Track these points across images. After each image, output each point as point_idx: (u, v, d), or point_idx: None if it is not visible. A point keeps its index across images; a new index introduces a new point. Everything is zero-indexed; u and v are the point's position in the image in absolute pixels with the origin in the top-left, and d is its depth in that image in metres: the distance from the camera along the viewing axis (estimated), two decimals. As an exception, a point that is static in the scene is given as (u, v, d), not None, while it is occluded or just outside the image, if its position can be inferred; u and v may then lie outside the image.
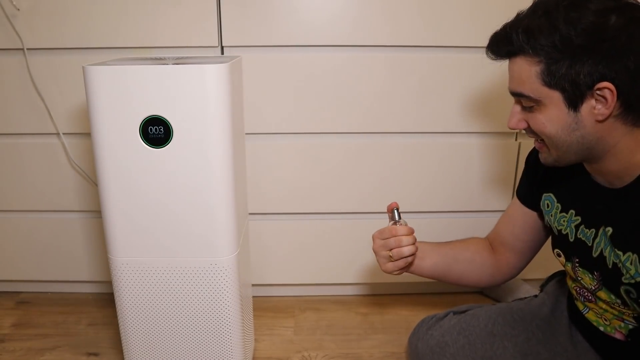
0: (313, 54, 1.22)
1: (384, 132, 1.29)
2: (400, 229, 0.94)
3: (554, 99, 0.76)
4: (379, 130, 1.29)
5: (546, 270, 1.15)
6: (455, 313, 1.09)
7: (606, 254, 0.82)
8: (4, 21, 1.19)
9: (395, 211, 0.96)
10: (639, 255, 0.76)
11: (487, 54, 0.83)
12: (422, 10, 1.20)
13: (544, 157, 0.85)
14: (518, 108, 0.83)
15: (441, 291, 1.48)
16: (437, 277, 1.06)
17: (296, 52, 1.22)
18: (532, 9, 0.77)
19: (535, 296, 1.08)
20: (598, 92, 0.72)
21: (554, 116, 0.77)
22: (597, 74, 0.71)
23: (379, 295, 1.48)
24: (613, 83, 0.71)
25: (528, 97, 0.78)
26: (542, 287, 1.11)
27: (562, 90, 0.74)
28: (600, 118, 0.74)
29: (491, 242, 1.08)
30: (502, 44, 0.79)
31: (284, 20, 1.20)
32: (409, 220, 1.33)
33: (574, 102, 0.74)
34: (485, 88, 1.25)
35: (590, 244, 0.85)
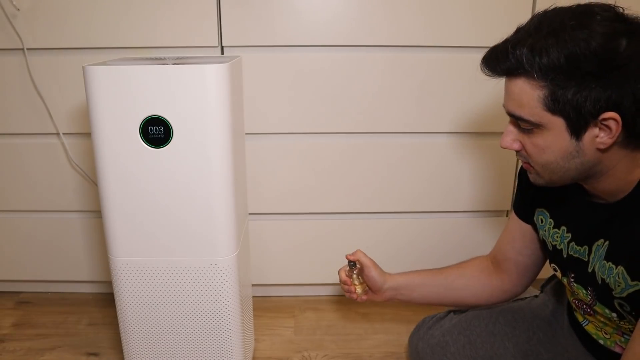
0: (313, 54, 1.22)
1: (383, 132, 1.29)
2: (344, 281, 1.08)
3: (556, 125, 0.71)
4: (379, 130, 1.29)
5: (546, 270, 1.15)
6: (455, 313, 1.09)
7: (596, 269, 0.80)
8: (4, 21, 1.19)
9: (349, 265, 1.08)
10: (628, 267, 0.74)
11: (482, 69, 0.77)
12: (422, 10, 1.20)
13: (533, 178, 0.81)
14: (513, 128, 0.78)
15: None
16: (430, 304, 1.10)
17: (296, 52, 1.22)
18: (536, 25, 0.71)
19: (536, 296, 1.08)
20: (603, 121, 0.68)
21: (554, 142, 0.72)
22: (604, 102, 0.67)
23: (379, 295, 1.48)
24: (619, 113, 0.67)
25: (527, 121, 0.73)
26: (543, 287, 1.11)
27: (566, 117, 0.70)
28: (602, 147, 0.71)
29: (494, 259, 1.05)
30: (502, 62, 0.73)
31: (284, 20, 1.20)
32: (409, 220, 1.34)
33: (577, 129, 0.70)
34: (484, 88, 1.25)
35: (586, 260, 0.82)
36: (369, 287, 1.08)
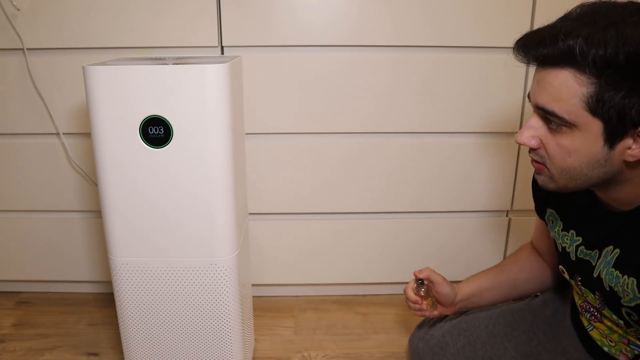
0: (313, 54, 1.22)
1: (384, 132, 1.29)
2: (415, 301, 1.02)
3: (592, 128, 0.65)
4: (380, 130, 1.29)
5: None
6: (456, 313, 1.09)
7: (603, 276, 0.78)
8: (4, 21, 1.19)
9: (417, 283, 1.02)
10: (637, 280, 0.71)
11: (516, 52, 0.69)
12: (424, 10, 1.19)
13: (543, 180, 0.76)
14: (537, 123, 0.71)
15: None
16: (498, 303, 1.06)
17: (296, 52, 1.22)
18: (590, 15, 0.64)
19: (536, 296, 1.08)
20: None
21: (583, 146, 0.66)
22: None
23: (379, 295, 1.48)
24: None
25: (561, 119, 0.66)
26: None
27: (606, 122, 0.64)
28: (631, 160, 0.66)
29: (535, 249, 1.06)
30: (547, 48, 0.64)
31: (284, 20, 1.19)
32: (409, 220, 1.33)
33: (613, 137, 0.65)
34: (487, 88, 1.25)
35: (593, 264, 0.80)
36: (439, 302, 1.03)
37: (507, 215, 1.39)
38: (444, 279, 1.01)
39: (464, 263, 1.41)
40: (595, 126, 0.65)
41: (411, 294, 1.02)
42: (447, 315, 1.09)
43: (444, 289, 1.00)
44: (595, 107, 0.63)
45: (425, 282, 1.01)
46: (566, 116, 0.66)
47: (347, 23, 1.20)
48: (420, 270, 1.00)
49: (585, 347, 0.92)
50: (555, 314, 1.01)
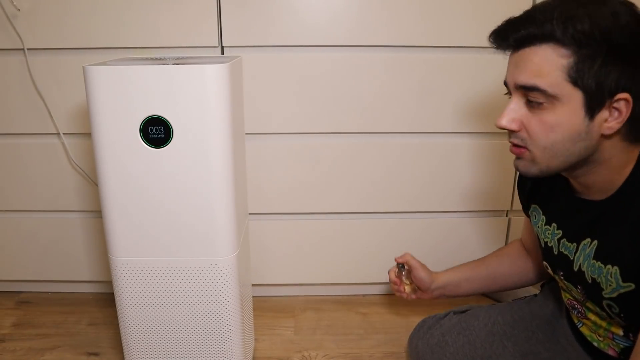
0: (313, 54, 1.22)
1: (383, 132, 1.30)
2: (394, 282, 1.15)
3: (573, 100, 0.68)
4: (379, 130, 1.29)
5: (546, 270, 1.15)
6: (455, 313, 1.09)
7: (584, 268, 0.79)
8: (4, 21, 1.19)
9: (397, 267, 1.15)
10: (620, 268, 0.73)
11: (493, 39, 0.74)
12: (422, 10, 1.20)
13: (525, 165, 0.77)
14: (517, 105, 0.73)
15: (441, 291, 1.48)
16: (479, 294, 1.16)
17: (296, 52, 1.22)
18: (560, 1, 0.69)
19: (535, 295, 1.08)
20: (615, 103, 0.68)
21: (566, 119, 0.69)
22: (622, 82, 0.66)
23: (379, 295, 1.48)
24: (632, 96, 0.67)
25: (543, 92, 0.69)
26: (542, 287, 1.11)
27: (586, 92, 0.67)
28: (608, 132, 0.69)
29: (524, 245, 1.10)
30: (527, 28, 0.69)
31: (284, 20, 1.20)
32: (409, 220, 1.34)
33: (592, 107, 0.68)
34: (484, 88, 1.25)
35: (571, 258, 0.82)
36: (417, 287, 1.14)
37: (506, 215, 1.39)
38: (422, 264, 1.12)
39: (464, 263, 1.41)
40: (576, 97, 0.68)
41: (392, 275, 1.15)
42: (445, 315, 1.09)
43: (420, 274, 1.10)
44: (576, 77, 0.67)
45: (405, 267, 1.13)
46: (549, 89, 0.69)
47: (346, 23, 1.20)
48: (401, 255, 1.13)
49: (580, 344, 0.93)
50: (553, 313, 1.02)
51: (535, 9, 0.71)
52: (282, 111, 1.26)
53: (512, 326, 1.02)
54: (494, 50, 0.75)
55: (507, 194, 1.36)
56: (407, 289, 1.14)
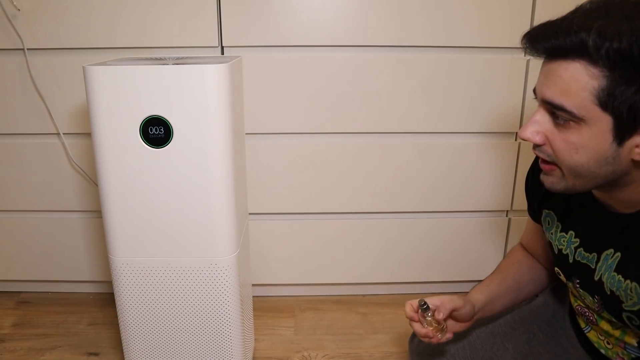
0: (314, 54, 1.22)
1: (384, 132, 1.29)
2: (425, 334, 0.89)
3: (601, 124, 0.62)
4: (380, 130, 1.29)
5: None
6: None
7: (604, 279, 0.76)
8: (4, 21, 1.19)
9: (421, 308, 0.88)
10: (639, 284, 0.69)
11: (525, 43, 0.67)
12: (425, 10, 1.19)
13: (552, 182, 0.72)
14: (543, 118, 0.68)
15: (442, 291, 1.48)
16: (509, 308, 1.01)
17: (297, 52, 1.22)
18: (604, 9, 0.62)
19: (536, 296, 1.08)
20: None
21: (591, 142, 0.64)
22: None
23: (379, 295, 1.48)
24: None
25: (569, 113, 0.64)
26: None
27: (616, 117, 0.61)
28: (639, 158, 0.64)
29: (528, 250, 1.04)
30: (558, 39, 0.62)
31: (285, 20, 1.19)
32: (409, 220, 1.33)
33: (622, 133, 0.62)
34: (489, 88, 1.25)
35: (593, 267, 0.78)
36: (458, 320, 0.94)
37: (507, 215, 1.39)
38: (453, 299, 0.90)
39: (463, 263, 1.41)
40: (604, 121, 0.62)
41: (408, 310, 0.89)
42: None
43: (463, 310, 0.90)
44: (606, 101, 0.61)
45: (428, 305, 0.87)
46: (575, 110, 0.63)
47: (347, 23, 1.20)
48: (436, 305, 0.88)
49: (584, 348, 0.92)
50: (555, 314, 1.01)
51: (573, 16, 0.63)
52: (282, 111, 1.26)
53: (512, 327, 1.02)
54: (528, 54, 0.68)
55: (507, 194, 1.36)
56: (437, 332, 0.88)
